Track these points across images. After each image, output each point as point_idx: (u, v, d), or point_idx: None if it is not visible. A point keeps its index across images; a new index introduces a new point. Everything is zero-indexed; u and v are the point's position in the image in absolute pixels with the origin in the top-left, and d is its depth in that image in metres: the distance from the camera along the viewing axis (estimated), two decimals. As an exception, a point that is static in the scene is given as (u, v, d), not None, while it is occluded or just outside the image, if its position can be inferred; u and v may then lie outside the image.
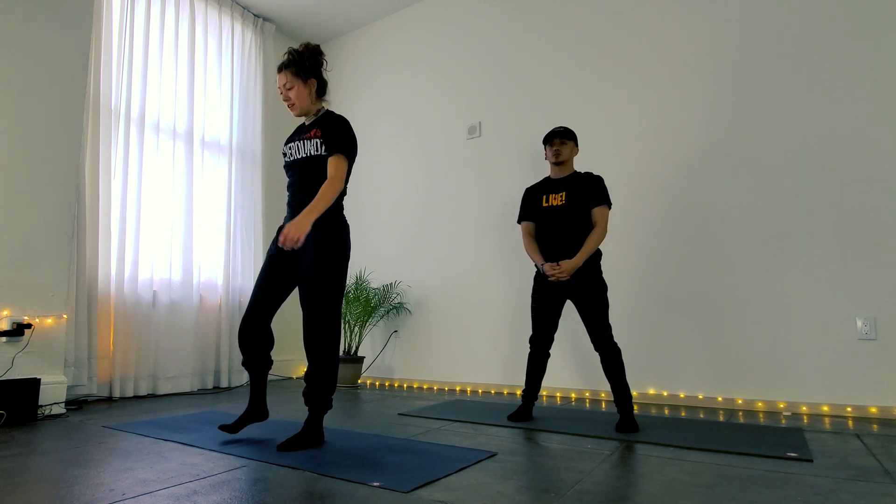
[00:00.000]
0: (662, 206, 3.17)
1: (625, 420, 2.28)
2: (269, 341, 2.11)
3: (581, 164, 3.38)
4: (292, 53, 2.10)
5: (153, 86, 3.65)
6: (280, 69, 2.11)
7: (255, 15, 4.42)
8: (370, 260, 4.36)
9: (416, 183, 4.20)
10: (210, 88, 4.06)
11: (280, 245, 1.86)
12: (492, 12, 3.98)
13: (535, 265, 2.56)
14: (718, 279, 2.97)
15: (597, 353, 3.18)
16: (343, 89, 4.79)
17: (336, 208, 2.06)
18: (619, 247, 3.27)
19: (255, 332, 2.07)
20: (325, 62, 2.16)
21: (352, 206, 4.54)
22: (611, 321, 3.23)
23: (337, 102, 4.80)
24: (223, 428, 2.06)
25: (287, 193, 2.16)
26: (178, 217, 3.71)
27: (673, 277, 3.10)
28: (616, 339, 3.20)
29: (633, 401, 3.08)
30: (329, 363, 1.98)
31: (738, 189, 2.96)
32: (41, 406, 2.58)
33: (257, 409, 2.11)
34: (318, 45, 2.14)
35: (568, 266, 2.37)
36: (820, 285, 2.72)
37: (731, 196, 2.98)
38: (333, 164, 2.01)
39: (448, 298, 3.91)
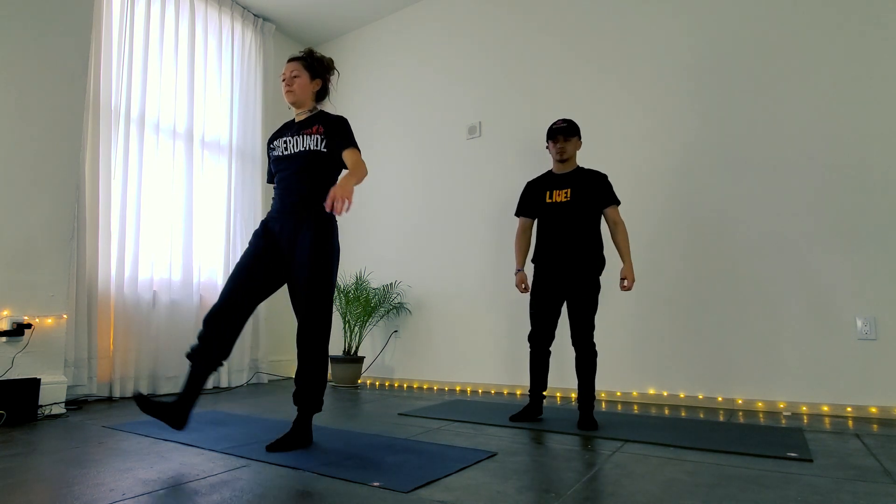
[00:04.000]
0: (662, 205, 3.16)
1: (585, 418, 2.33)
2: (232, 341, 1.93)
3: (580, 163, 3.37)
4: (310, 51, 2.17)
5: (153, 86, 3.64)
6: (292, 59, 2.15)
7: (255, 15, 4.42)
8: (370, 260, 4.36)
9: (417, 183, 4.20)
10: (210, 88, 4.05)
11: (329, 210, 1.78)
12: (491, 13, 3.98)
13: (516, 269, 2.61)
14: (718, 279, 2.97)
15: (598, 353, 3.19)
16: (342, 90, 4.79)
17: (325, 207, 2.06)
18: (619, 247, 3.27)
19: (225, 327, 1.90)
20: (335, 75, 2.23)
21: (352, 205, 4.53)
22: (610, 321, 3.24)
23: (337, 103, 4.80)
24: (141, 403, 1.81)
25: (275, 189, 2.10)
26: (178, 217, 3.71)
27: (672, 277, 3.09)
28: (616, 340, 3.20)
29: (634, 401, 3.09)
30: (321, 364, 1.99)
31: (739, 189, 2.96)
32: (41, 406, 2.58)
33: (179, 411, 1.86)
34: (332, 60, 2.22)
35: (630, 275, 2.41)
36: (820, 285, 2.72)
37: (732, 196, 2.98)
38: (353, 155, 2.03)
39: (448, 298, 3.91)
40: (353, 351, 3.98)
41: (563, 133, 2.52)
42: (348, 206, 1.80)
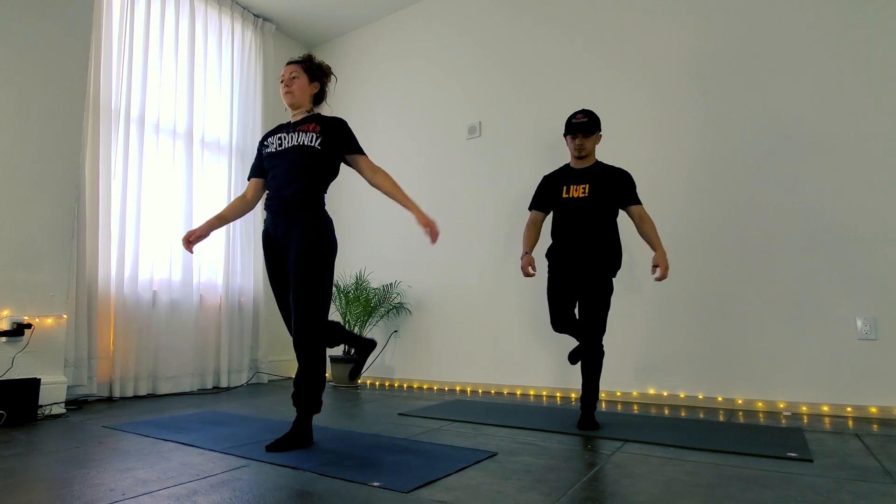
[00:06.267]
0: (662, 205, 3.16)
1: (585, 418, 2.32)
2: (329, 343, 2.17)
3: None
4: (309, 56, 2.21)
5: (153, 86, 3.64)
6: (291, 62, 2.18)
7: (255, 15, 4.42)
8: (370, 260, 4.36)
9: (416, 183, 4.20)
10: (210, 88, 4.06)
11: (433, 242, 2.01)
12: (491, 13, 3.98)
13: (523, 253, 2.53)
14: (718, 279, 2.97)
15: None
16: (343, 90, 4.79)
17: (319, 205, 2.07)
18: (619, 247, 3.26)
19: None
20: (333, 80, 2.27)
21: (352, 205, 4.54)
22: (610, 321, 3.22)
23: (337, 103, 4.80)
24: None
25: (268, 188, 2.12)
26: (178, 217, 3.71)
27: (673, 277, 3.09)
28: (616, 340, 3.19)
29: (634, 401, 3.09)
30: (319, 364, 2.00)
31: (738, 189, 2.96)
32: (41, 406, 2.58)
33: (363, 341, 2.28)
34: (330, 66, 2.29)
35: (664, 262, 2.30)
36: (820, 285, 2.72)
37: (731, 196, 2.98)
38: (367, 162, 2.13)
39: (448, 298, 3.91)
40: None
41: (583, 131, 2.43)
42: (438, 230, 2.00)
